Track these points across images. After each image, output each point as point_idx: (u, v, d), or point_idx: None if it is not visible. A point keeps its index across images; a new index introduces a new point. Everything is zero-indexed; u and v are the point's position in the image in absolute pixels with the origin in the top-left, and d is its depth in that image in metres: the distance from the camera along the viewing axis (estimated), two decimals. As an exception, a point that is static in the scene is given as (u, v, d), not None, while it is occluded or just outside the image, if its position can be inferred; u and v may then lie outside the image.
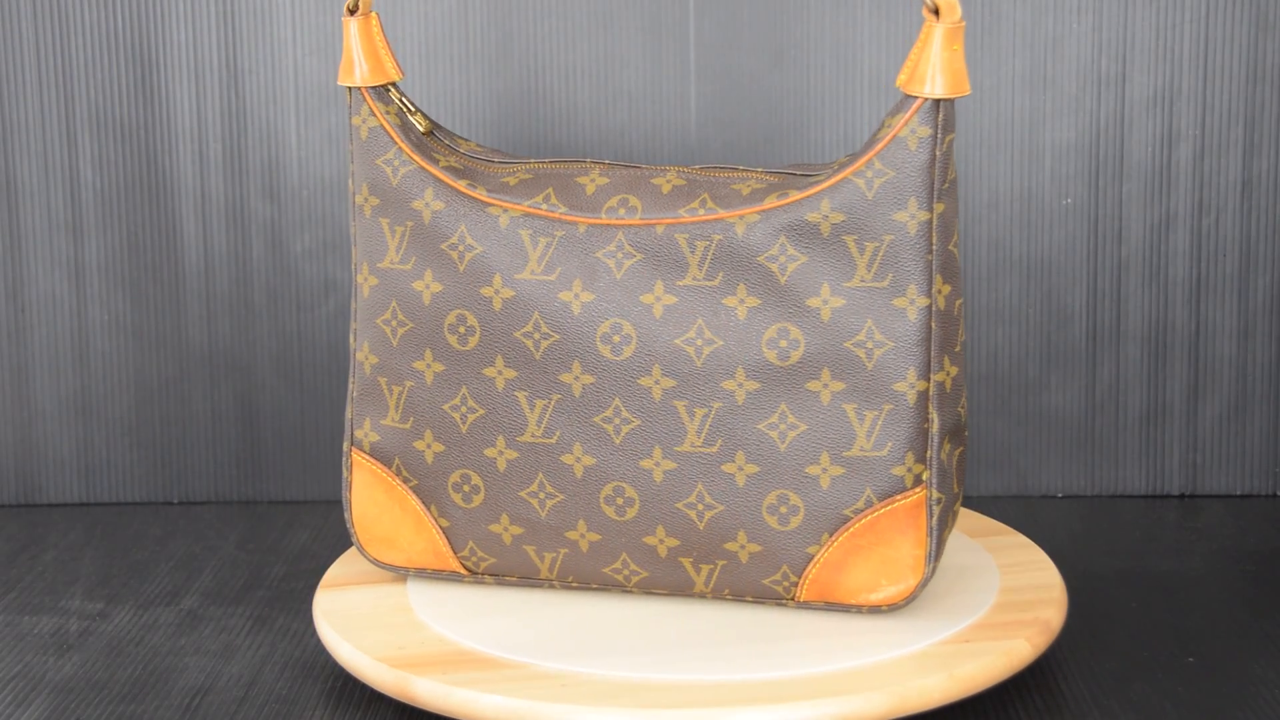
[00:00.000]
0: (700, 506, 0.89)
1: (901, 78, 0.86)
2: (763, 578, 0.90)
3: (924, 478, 0.87)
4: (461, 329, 0.91)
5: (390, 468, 0.94)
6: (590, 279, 0.89)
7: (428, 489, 0.93)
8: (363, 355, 0.94)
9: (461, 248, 0.90)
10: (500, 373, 0.90)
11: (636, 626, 0.90)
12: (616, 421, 0.89)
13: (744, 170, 0.90)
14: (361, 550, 0.96)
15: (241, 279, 1.19)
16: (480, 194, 0.91)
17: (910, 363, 0.86)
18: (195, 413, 1.21)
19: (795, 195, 0.87)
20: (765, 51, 1.16)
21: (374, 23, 0.93)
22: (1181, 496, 1.20)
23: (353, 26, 0.92)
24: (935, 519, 0.87)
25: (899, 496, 0.87)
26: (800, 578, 0.89)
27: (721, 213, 0.88)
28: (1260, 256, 1.17)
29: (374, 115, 0.92)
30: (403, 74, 0.94)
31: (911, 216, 0.86)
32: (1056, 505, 1.18)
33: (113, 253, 1.19)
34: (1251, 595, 1.02)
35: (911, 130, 0.85)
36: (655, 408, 0.89)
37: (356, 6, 0.92)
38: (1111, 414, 1.19)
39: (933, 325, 0.86)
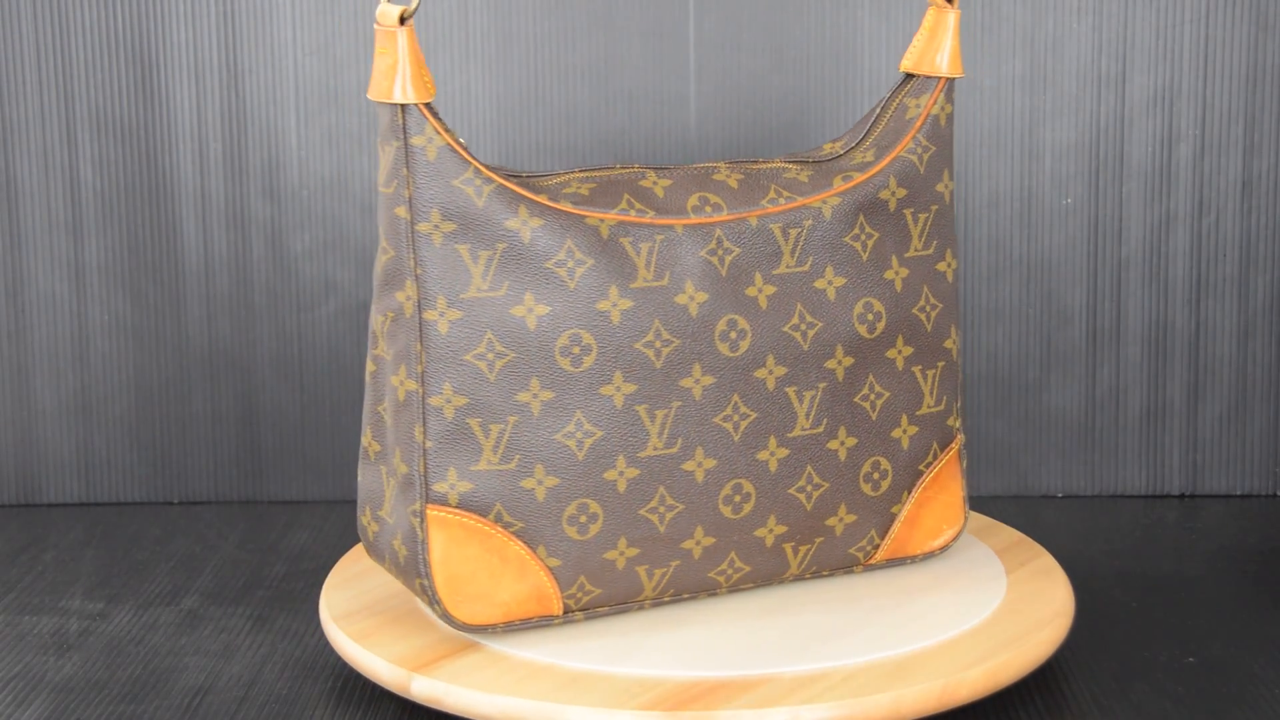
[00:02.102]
0: (809, 488, 0.91)
1: (909, 62, 0.95)
2: (850, 547, 0.94)
3: (959, 426, 0.96)
4: (575, 349, 0.86)
5: (488, 516, 0.86)
6: (700, 279, 0.88)
7: (536, 529, 0.86)
8: (442, 400, 0.84)
9: (571, 263, 0.85)
10: (619, 389, 0.86)
11: (654, 625, 0.90)
12: (735, 418, 0.89)
13: (775, 161, 0.93)
14: (448, 616, 0.86)
15: (241, 279, 1.19)
16: (568, 207, 0.87)
17: (951, 320, 0.95)
18: (195, 413, 1.21)
19: (859, 176, 0.92)
20: (765, 51, 1.16)
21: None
22: (1181, 496, 1.20)
23: (403, 38, 0.85)
24: (965, 461, 0.97)
25: (951, 446, 0.96)
26: (884, 539, 0.95)
27: (802, 199, 0.90)
28: (1260, 256, 1.17)
29: (439, 134, 0.84)
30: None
31: (945, 187, 0.94)
32: (1056, 505, 1.18)
33: (113, 253, 1.19)
34: (1251, 595, 1.02)
35: (940, 107, 0.94)
36: (770, 398, 0.90)
37: (409, 14, 0.85)
38: (1111, 414, 1.19)
39: (958, 285, 0.96)
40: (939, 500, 0.96)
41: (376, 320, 0.87)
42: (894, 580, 0.95)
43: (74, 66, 1.17)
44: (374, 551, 0.90)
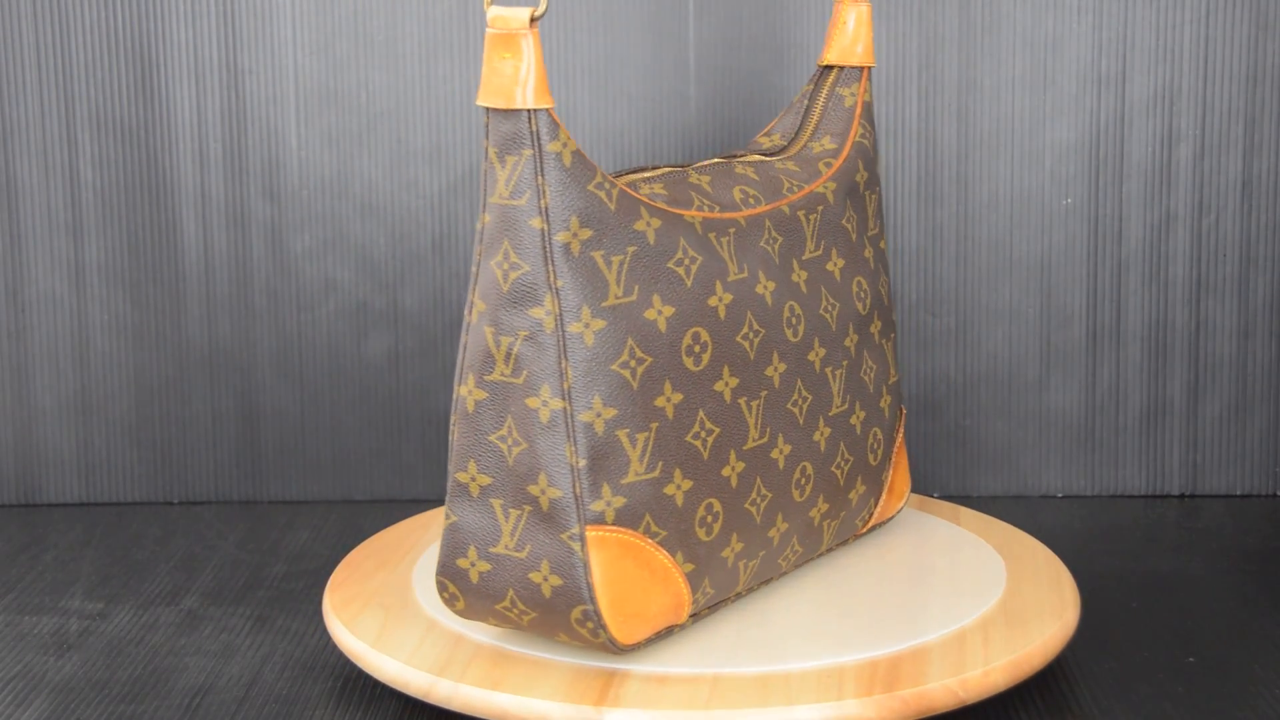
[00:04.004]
0: (843, 464, 0.93)
1: (832, 55, 0.99)
2: (856, 517, 0.97)
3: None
4: (696, 348, 0.84)
5: (638, 528, 0.82)
6: (767, 269, 0.89)
7: (676, 535, 0.84)
8: (592, 415, 0.80)
9: (686, 260, 0.84)
10: (727, 384, 0.86)
11: (731, 620, 0.90)
12: (800, 402, 0.90)
13: (750, 154, 0.95)
14: (613, 641, 0.82)
15: (241, 279, 1.19)
16: (666, 206, 0.85)
17: (890, 293, 0.99)
18: (195, 413, 1.21)
19: (836, 162, 0.95)
20: (765, 51, 1.16)
21: None
22: (1181, 496, 1.20)
23: (531, 41, 0.79)
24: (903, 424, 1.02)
25: (902, 411, 1.01)
26: (876, 504, 0.98)
27: (809, 186, 0.93)
28: (1260, 256, 1.17)
29: (569, 139, 0.81)
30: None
31: (881, 168, 0.99)
32: (1056, 505, 1.18)
33: (113, 253, 1.19)
34: (1251, 595, 1.02)
35: (870, 96, 1.00)
36: (818, 379, 0.92)
37: (539, 16, 0.79)
38: (1111, 414, 1.19)
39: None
40: (902, 464, 1.01)
41: (501, 343, 0.81)
42: (893, 579, 0.95)
43: (74, 66, 1.17)
44: (478, 595, 0.84)
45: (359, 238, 1.19)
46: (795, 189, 0.93)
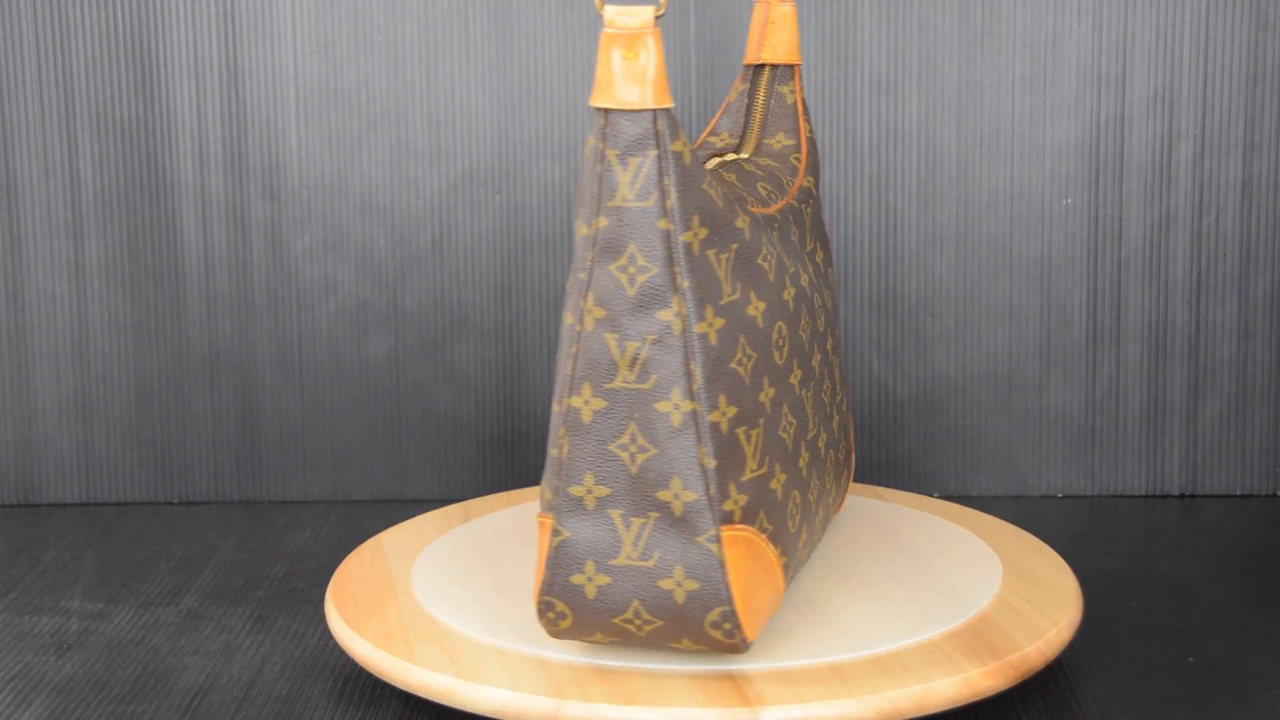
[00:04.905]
0: (843, 444, 0.96)
1: (767, 54, 0.99)
2: (834, 509, 0.98)
3: None
4: (780, 341, 0.84)
5: (755, 524, 0.82)
6: (799, 262, 0.90)
7: (778, 529, 0.83)
8: (718, 414, 0.80)
9: (771, 257, 0.84)
10: (796, 375, 0.86)
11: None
12: (826, 392, 0.91)
13: (729, 153, 0.97)
14: (744, 641, 0.81)
15: (241, 279, 1.19)
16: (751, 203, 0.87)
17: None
18: (195, 413, 1.21)
19: (804, 155, 0.96)
20: (765, 51, 1.16)
21: None
22: (1181, 496, 1.20)
23: (653, 39, 0.77)
24: None
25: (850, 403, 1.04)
26: (844, 496, 1.01)
27: (798, 180, 0.94)
28: (1260, 256, 1.17)
29: (684, 137, 0.80)
30: None
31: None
32: (1056, 505, 1.18)
33: (113, 253, 1.19)
34: (1251, 595, 1.02)
35: (802, 91, 1.00)
36: (831, 368, 0.93)
37: (661, 13, 0.77)
38: (1111, 414, 1.19)
39: None
40: (853, 457, 1.03)
41: (627, 349, 0.80)
42: (893, 578, 0.95)
43: (74, 66, 1.17)
44: (593, 611, 0.82)
45: (359, 238, 1.19)
46: (790, 183, 0.94)
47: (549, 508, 0.82)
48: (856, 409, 1.20)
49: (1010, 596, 0.93)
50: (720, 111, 1.00)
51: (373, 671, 0.87)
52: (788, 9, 0.99)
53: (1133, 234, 1.17)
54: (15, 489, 1.22)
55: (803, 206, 0.94)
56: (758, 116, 0.98)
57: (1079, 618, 0.91)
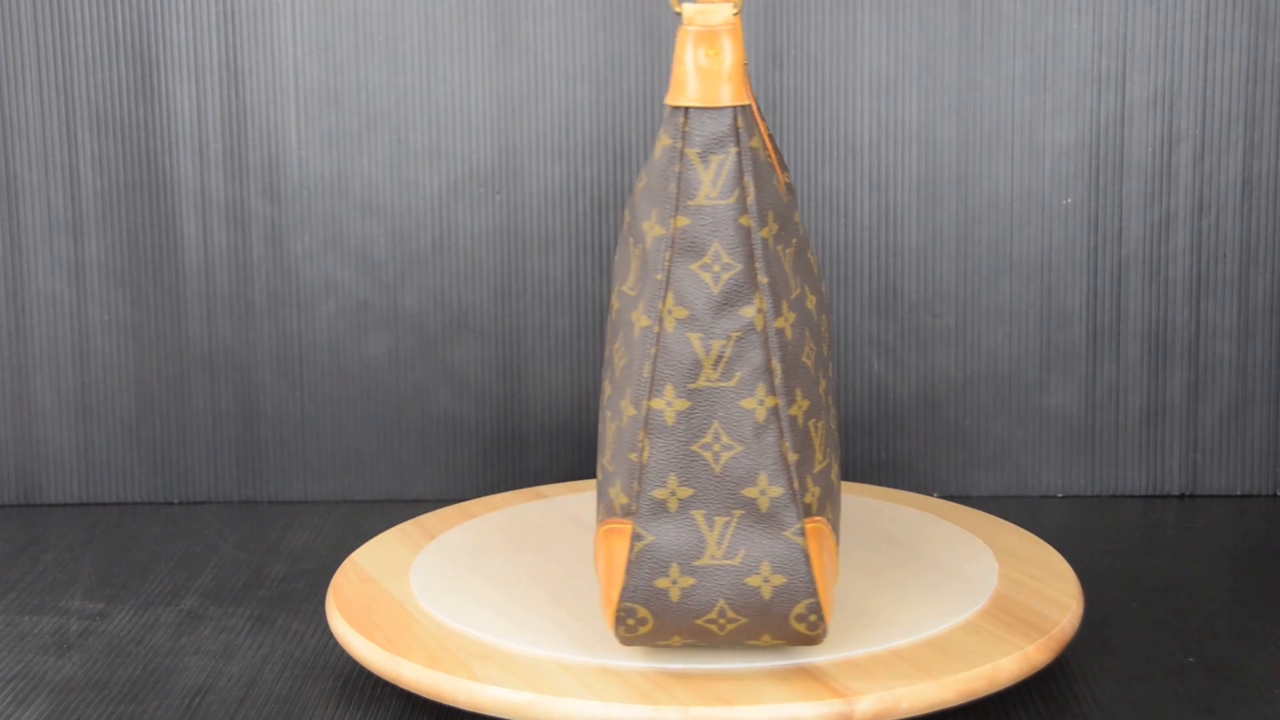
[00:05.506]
0: (815, 419, 0.93)
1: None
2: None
3: None
4: (825, 334, 0.85)
5: (824, 515, 0.82)
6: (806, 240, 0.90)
7: (835, 518, 0.84)
8: (796, 408, 0.81)
9: (814, 252, 0.84)
10: (829, 368, 0.86)
11: None
12: (829, 375, 0.89)
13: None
14: (825, 631, 0.82)
15: (241, 279, 1.19)
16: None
17: None
18: (195, 413, 1.21)
19: (774, 153, 0.94)
20: (765, 51, 1.16)
21: None
22: (1181, 496, 1.20)
23: (733, 36, 0.77)
24: None
25: None
26: None
27: (783, 176, 0.92)
28: (1260, 256, 1.17)
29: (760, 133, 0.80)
30: None
31: None
32: (1056, 505, 1.18)
33: (113, 253, 1.19)
34: (1251, 595, 1.02)
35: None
36: (824, 358, 0.91)
37: (739, 7, 0.76)
38: (1111, 414, 1.19)
39: None
40: None
41: (712, 347, 0.80)
42: (893, 579, 0.95)
43: (74, 66, 1.17)
44: (677, 614, 0.81)
45: (359, 238, 1.19)
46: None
47: (625, 513, 0.81)
48: (856, 409, 1.20)
49: (1017, 575, 0.94)
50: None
51: (373, 671, 0.87)
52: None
53: (1132, 234, 1.17)
54: (15, 489, 1.22)
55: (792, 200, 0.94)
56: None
57: (1079, 617, 0.91)
